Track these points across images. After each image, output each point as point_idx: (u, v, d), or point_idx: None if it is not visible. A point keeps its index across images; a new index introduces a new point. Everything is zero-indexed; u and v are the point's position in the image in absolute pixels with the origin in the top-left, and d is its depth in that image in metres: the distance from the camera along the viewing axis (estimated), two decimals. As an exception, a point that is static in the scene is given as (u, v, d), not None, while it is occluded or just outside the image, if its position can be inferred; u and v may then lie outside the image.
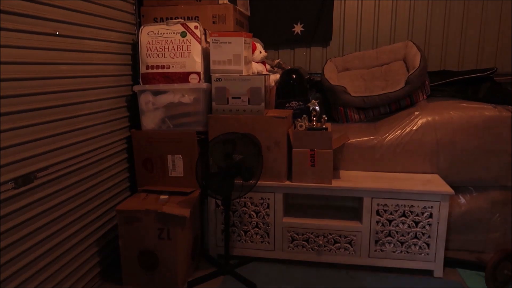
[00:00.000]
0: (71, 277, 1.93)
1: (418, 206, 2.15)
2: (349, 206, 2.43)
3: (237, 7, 2.70)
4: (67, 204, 1.89)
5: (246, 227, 2.35)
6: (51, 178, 1.77)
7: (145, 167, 2.40)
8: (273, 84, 2.57)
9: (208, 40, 2.39)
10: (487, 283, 2.05)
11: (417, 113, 2.46)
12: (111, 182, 2.28)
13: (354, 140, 2.43)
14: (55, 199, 1.81)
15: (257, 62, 2.54)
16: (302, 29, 3.14)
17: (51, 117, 1.77)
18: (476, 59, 3.01)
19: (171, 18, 2.59)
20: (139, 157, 2.40)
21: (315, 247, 2.29)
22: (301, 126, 2.27)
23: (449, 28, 3.01)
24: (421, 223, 2.17)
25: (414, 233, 2.18)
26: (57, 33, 1.80)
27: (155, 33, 2.37)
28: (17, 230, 1.59)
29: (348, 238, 2.25)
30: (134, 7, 2.53)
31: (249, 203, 2.32)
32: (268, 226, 2.32)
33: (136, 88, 2.35)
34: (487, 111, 2.37)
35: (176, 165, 2.37)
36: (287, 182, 2.27)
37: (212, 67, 2.31)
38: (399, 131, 2.42)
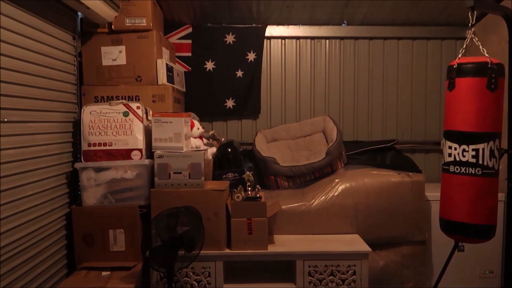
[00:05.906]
0: None
1: (343, 265, 2.43)
2: (284, 266, 2.65)
3: (175, 86, 2.95)
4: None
5: (188, 297, 2.44)
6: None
7: (85, 242, 2.42)
8: (210, 157, 2.79)
9: (150, 118, 2.58)
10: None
11: (337, 180, 2.83)
12: (50, 261, 2.25)
13: (285, 206, 2.70)
14: (2, 281, 1.79)
15: (195, 138, 2.77)
16: (234, 104, 3.47)
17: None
18: (381, 131, 3.55)
19: (112, 97, 2.75)
20: (79, 233, 2.41)
21: (255, 311, 2.43)
22: (238, 197, 2.49)
23: (358, 104, 3.54)
24: (347, 280, 2.44)
25: (342, 290, 2.45)
26: (5, 119, 1.88)
27: (98, 112, 2.50)
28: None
29: (284, 300, 2.44)
30: (76, 87, 2.65)
31: (191, 273, 2.43)
32: (209, 294, 2.43)
33: (78, 165, 2.42)
34: (393, 177, 2.81)
35: (118, 240, 2.42)
36: (227, 250, 2.43)
37: (153, 144, 2.48)
38: (323, 197, 2.75)
